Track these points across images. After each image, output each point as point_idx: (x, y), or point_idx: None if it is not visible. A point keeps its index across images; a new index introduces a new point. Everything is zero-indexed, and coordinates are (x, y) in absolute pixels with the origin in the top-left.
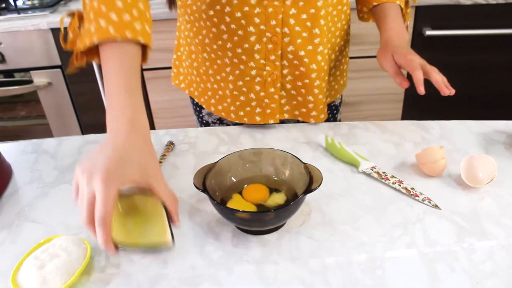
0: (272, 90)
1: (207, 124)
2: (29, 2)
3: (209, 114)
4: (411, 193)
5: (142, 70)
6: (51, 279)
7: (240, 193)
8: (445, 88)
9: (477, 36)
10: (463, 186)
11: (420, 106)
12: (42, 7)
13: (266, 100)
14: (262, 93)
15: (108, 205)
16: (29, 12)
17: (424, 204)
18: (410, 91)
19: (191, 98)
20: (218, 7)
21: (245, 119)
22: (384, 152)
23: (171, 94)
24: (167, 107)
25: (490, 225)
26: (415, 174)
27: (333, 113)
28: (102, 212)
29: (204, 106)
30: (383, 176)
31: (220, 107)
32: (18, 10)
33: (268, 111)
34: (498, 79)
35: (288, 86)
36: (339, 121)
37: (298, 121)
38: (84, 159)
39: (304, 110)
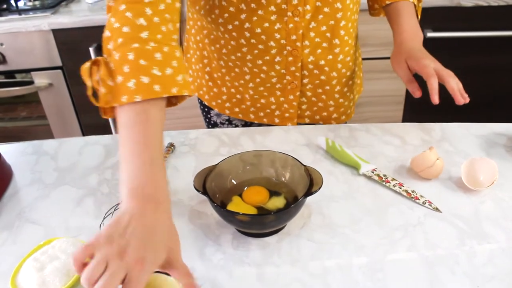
0: (291, 97)
1: (215, 124)
2: (30, 3)
3: (218, 114)
4: (412, 196)
5: None
6: (51, 281)
7: (241, 195)
8: (460, 97)
9: (479, 38)
10: (464, 189)
11: (421, 108)
12: (43, 8)
13: (285, 105)
14: (282, 98)
15: None
16: (30, 13)
17: (425, 207)
18: (411, 94)
19: (199, 99)
20: (236, 22)
21: (264, 119)
22: (384, 154)
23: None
24: (167, 108)
25: (491, 228)
26: (416, 177)
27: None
28: None
29: (216, 109)
30: (383, 179)
31: (237, 109)
32: (19, 11)
33: (287, 115)
34: (500, 81)
35: (309, 93)
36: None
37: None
38: (109, 227)
39: (325, 114)
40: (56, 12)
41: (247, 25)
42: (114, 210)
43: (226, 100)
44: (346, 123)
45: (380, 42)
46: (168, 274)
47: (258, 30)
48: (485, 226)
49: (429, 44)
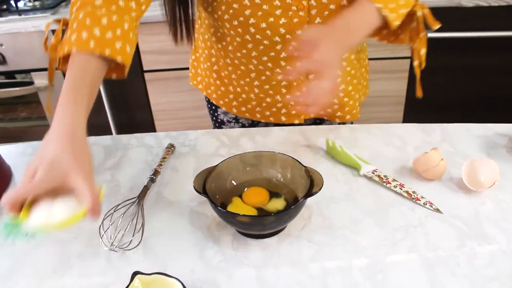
0: (297, 94)
1: (222, 122)
2: (30, 4)
3: (225, 113)
4: (413, 196)
5: (143, 71)
6: (57, 213)
7: (241, 196)
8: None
9: (479, 38)
10: (464, 190)
11: (421, 108)
12: (43, 8)
13: (292, 103)
14: (288, 96)
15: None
16: (30, 13)
17: (426, 208)
18: (412, 94)
19: (206, 98)
20: (241, 18)
21: (271, 118)
22: (385, 155)
23: (171, 96)
24: (168, 109)
25: (491, 229)
26: (416, 177)
27: None
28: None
29: (224, 108)
30: (384, 180)
31: (243, 109)
32: (19, 11)
33: (293, 112)
34: (500, 81)
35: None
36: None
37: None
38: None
39: (329, 110)
40: (56, 13)
41: (252, 20)
42: (114, 211)
43: (233, 99)
44: (352, 123)
45: (380, 43)
46: (168, 275)
47: (263, 25)
48: (486, 228)
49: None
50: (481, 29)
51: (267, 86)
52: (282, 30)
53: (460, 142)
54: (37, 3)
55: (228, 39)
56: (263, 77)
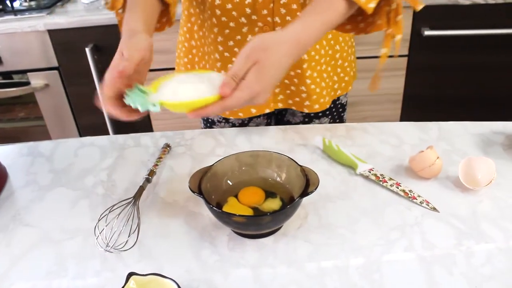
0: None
1: (212, 123)
2: (26, 4)
3: None
4: (409, 195)
5: None
6: (183, 92)
7: (236, 196)
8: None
9: (476, 36)
10: (461, 188)
11: (419, 106)
12: (39, 8)
13: None
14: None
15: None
16: (26, 13)
17: (422, 206)
18: (409, 92)
19: None
20: (208, 3)
21: (240, 113)
22: (382, 154)
23: None
24: (165, 108)
25: (488, 228)
26: (413, 176)
27: (338, 112)
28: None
29: None
30: (380, 179)
31: None
32: (14, 11)
33: None
34: (497, 79)
35: None
36: (345, 121)
37: (308, 114)
38: None
39: (297, 99)
40: (52, 13)
41: (217, 1)
42: (109, 212)
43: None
44: (336, 116)
45: (376, 41)
46: (163, 276)
47: (229, 6)
48: (483, 226)
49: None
50: (478, 27)
51: None
52: (248, 10)
53: (457, 140)
54: (33, 3)
55: (206, 24)
56: (230, 65)
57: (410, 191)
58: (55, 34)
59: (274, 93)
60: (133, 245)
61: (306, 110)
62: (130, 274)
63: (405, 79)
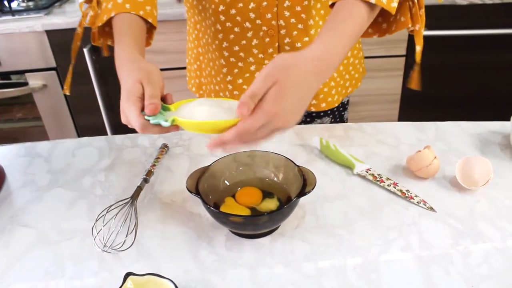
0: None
1: None
2: (24, 4)
3: None
4: (406, 195)
5: None
6: (199, 113)
7: (234, 196)
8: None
9: (473, 36)
10: (458, 188)
11: (416, 106)
12: (36, 9)
13: None
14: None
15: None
16: (24, 14)
17: (420, 206)
18: (407, 92)
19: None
20: (213, 6)
21: None
22: (379, 154)
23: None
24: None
25: (485, 227)
26: (410, 176)
27: (339, 111)
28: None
29: None
30: (378, 178)
31: None
32: (12, 12)
33: None
34: (494, 79)
35: None
36: (346, 120)
37: (310, 113)
38: None
39: None
40: (50, 13)
41: (221, 7)
42: (107, 212)
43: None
44: (337, 115)
45: (375, 41)
46: (161, 276)
47: (233, 11)
48: (480, 226)
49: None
50: (475, 27)
51: (240, 80)
52: (252, 15)
53: (454, 140)
54: (30, 3)
55: (208, 31)
56: (236, 70)
57: (408, 191)
58: (53, 35)
59: None
60: (131, 245)
61: (313, 109)
62: (128, 274)
63: (403, 79)
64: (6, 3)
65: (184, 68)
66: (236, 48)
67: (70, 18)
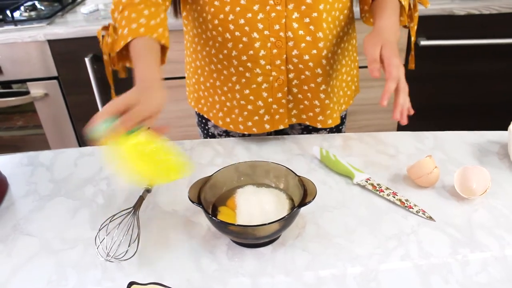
0: (279, 95)
1: (212, 136)
2: (26, 14)
3: (215, 126)
4: (406, 204)
5: None
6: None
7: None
8: (398, 114)
9: (471, 46)
10: (457, 198)
11: (415, 115)
12: (39, 18)
13: (274, 106)
14: (270, 99)
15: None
16: (26, 23)
17: (419, 215)
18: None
19: (196, 112)
20: (222, 15)
21: (254, 129)
22: (378, 163)
23: (167, 105)
24: (163, 118)
25: (484, 236)
26: (409, 186)
27: (337, 126)
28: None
29: (213, 120)
30: (377, 188)
31: (228, 120)
32: (15, 21)
33: (277, 117)
34: (492, 88)
35: (295, 90)
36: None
37: (306, 127)
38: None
39: (311, 114)
40: (52, 23)
41: (231, 16)
42: (110, 221)
43: (219, 110)
44: (334, 129)
45: None
46: (163, 285)
47: (242, 21)
48: (478, 235)
49: (422, 52)
50: (473, 36)
51: (247, 91)
52: (260, 26)
53: (453, 150)
54: (33, 13)
55: (210, 42)
56: (243, 80)
57: (407, 200)
58: (55, 44)
59: (287, 108)
60: (133, 255)
61: (319, 125)
62: (131, 283)
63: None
64: (8, 12)
65: (183, 78)
66: (244, 57)
67: (72, 28)
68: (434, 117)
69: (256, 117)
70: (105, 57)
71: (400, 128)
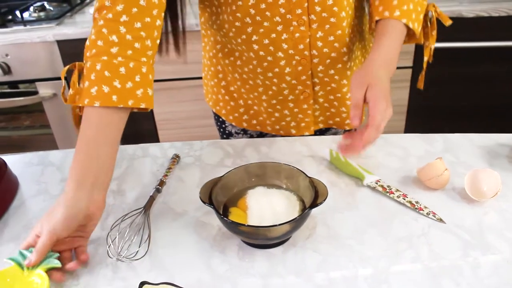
0: (305, 106)
1: (230, 134)
2: (35, 14)
3: (233, 125)
4: (416, 206)
5: None
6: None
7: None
8: (358, 147)
9: (480, 48)
10: (467, 200)
11: (423, 117)
12: (48, 19)
13: (300, 116)
14: (296, 110)
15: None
16: (35, 24)
17: (429, 218)
18: (414, 103)
19: (214, 113)
20: (244, 36)
21: (281, 131)
22: (388, 165)
23: (174, 105)
24: (171, 119)
25: (494, 239)
26: (420, 188)
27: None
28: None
29: (234, 123)
30: (387, 190)
31: (254, 121)
32: (24, 22)
33: (303, 124)
34: (501, 90)
35: (321, 100)
36: None
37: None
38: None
39: (338, 119)
40: (61, 23)
41: (254, 37)
42: (122, 221)
43: (243, 113)
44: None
45: None
46: (174, 285)
47: (266, 42)
48: (489, 237)
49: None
50: (482, 39)
51: (274, 101)
52: (285, 46)
53: (463, 152)
54: (42, 14)
55: (236, 54)
56: (270, 92)
57: (417, 202)
58: (63, 45)
59: (314, 117)
60: (144, 255)
61: (347, 128)
62: (142, 283)
63: (410, 90)
64: (18, 13)
65: (191, 78)
66: (270, 74)
67: (80, 28)
68: (442, 119)
69: (283, 123)
70: (66, 101)
71: (408, 130)
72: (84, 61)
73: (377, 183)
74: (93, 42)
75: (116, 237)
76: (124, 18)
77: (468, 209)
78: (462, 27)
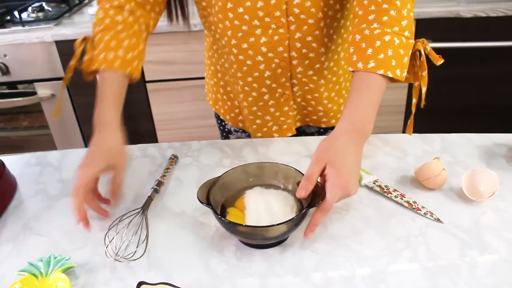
0: (286, 108)
1: (229, 132)
2: (34, 15)
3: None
4: (413, 206)
5: (145, 82)
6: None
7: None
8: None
9: (478, 48)
10: (464, 200)
11: (421, 117)
12: (46, 19)
13: (282, 118)
14: (277, 113)
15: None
16: (34, 24)
17: (426, 217)
18: (411, 104)
19: (215, 112)
20: (226, 38)
21: (266, 134)
22: (386, 165)
23: (173, 106)
24: (170, 119)
25: (492, 239)
26: (417, 188)
27: None
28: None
29: (230, 123)
30: (385, 190)
31: (247, 123)
32: (22, 22)
33: (285, 127)
34: (499, 90)
35: (299, 99)
36: None
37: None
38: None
39: (315, 117)
40: (59, 24)
41: (233, 41)
42: (119, 221)
43: (238, 114)
44: None
45: None
46: (172, 285)
47: (245, 46)
48: (486, 237)
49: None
50: (479, 39)
51: (254, 108)
52: (264, 49)
53: (460, 152)
54: (40, 14)
55: (225, 56)
56: (250, 98)
57: (414, 202)
58: (62, 45)
59: (292, 115)
60: (142, 255)
61: (323, 126)
62: (140, 283)
63: (408, 90)
64: (16, 14)
65: (190, 79)
66: (250, 79)
67: (79, 29)
68: (440, 119)
69: (265, 129)
70: (72, 63)
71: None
72: (93, 36)
73: (375, 183)
74: (101, 20)
75: (114, 237)
76: (127, 7)
77: (466, 209)
78: (459, 27)
